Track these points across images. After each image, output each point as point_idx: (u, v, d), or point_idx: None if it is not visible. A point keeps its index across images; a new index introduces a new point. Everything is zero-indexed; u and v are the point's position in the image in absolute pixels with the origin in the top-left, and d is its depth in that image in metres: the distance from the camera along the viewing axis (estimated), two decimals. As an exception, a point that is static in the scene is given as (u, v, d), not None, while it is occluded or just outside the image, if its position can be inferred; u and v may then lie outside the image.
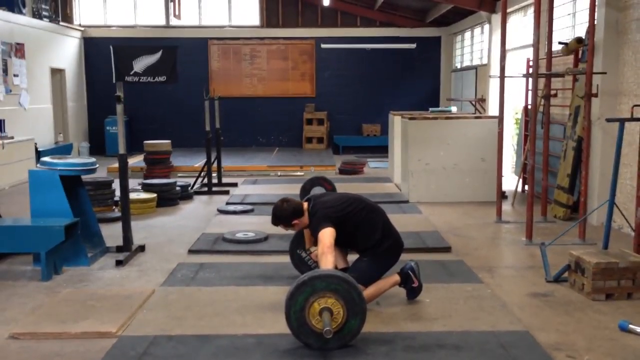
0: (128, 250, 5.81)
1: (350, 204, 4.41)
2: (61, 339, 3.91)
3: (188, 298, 4.65)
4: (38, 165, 5.78)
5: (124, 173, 5.80)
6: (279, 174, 11.75)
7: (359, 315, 3.69)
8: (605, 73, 6.80)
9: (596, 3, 6.52)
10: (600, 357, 3.61)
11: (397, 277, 4.51)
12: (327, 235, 4.11)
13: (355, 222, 4.35)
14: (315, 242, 4.41)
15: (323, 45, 15.62)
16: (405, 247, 5.94)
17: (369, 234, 4.38)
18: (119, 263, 5.53)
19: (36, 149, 11.58)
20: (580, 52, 7.59)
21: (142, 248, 6.08)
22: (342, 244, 4.41)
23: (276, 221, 4.43)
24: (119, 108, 5.72)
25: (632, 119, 5.22)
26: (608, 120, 5.56)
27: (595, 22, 6.66)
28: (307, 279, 3.67)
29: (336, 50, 15.73)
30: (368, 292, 4.28)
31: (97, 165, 5.90)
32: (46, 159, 5.72)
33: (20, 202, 8.22)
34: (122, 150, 5.76)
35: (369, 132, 15.97)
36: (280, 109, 16.16)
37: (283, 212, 4.37)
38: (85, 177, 6.76)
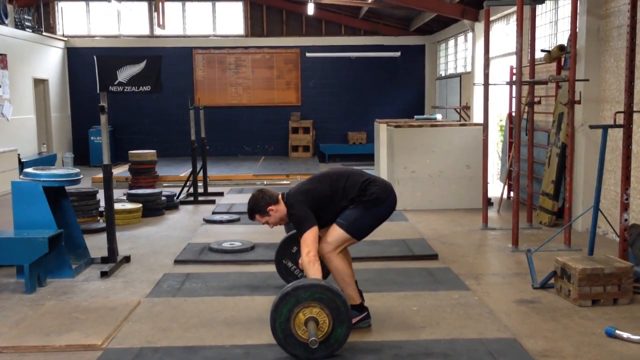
0: (113, 261, 5.76)
1: (319, 180, 4.21)
2: (45, 352, 3.85)
3: (174, 309, 4.61)
4: (21, 176, 5.71)
5: (108, 183, 5.75)
6: (265, 183, 11.73)
7: (345, 323, 3.67)
8: (587, 80, 6.88)
9: (577, 11, 6.60)
10: (587, 363, 3.63)
11: (359, 300, 4.21)
12: (310, 239, 3.94)
13: (328, 192, 4.12)
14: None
15: (308, 54, 15.66)
16: (391, 255, 6.03)
17: (348, 194, 4.11)
18: (103, 274, 5.47)
19: (19, 159, 11.45)
20: (562, 59, 7.66)
21: (127, 259, 6.02)
22: (327, 222, 4.16)
23: (252, 210, 4.18)
24: (103, 118, 5.68)
25: (615, 126, 5.27)
26: (591, 127, 5.61)
27: (577, 30, 6.74)
28: (291, 289, 3.64)
29: (321, 58, 15.77)
30: (337, 264, 4.08)
31: (81, 176, 5.83)
32: (29, 170, 5.65)
33: (3, 214, 8.11)
34: (106, 160, 5.71)
35: (354, 140, 16.00)
36: (266, 117, 16.16)
37: (258, 200, 4.17)
38: (69, 188, 6.71)
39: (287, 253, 4.97)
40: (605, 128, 5.36)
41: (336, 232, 4.10)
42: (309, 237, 3.95)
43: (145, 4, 15.80)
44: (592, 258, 4.94)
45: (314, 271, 3.84)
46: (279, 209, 4.17)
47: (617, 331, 3.95)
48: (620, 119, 5.21)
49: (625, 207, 5.13)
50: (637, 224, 5.77)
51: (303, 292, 3.63)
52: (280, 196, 4.23)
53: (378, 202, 4.13)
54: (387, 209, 4.21)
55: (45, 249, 5.02)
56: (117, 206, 7.74)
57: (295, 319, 3.62)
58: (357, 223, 4.10)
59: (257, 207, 4.18)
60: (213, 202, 9.51)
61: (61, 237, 5.35)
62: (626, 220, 5.15)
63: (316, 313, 3.62)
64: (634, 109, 5.24)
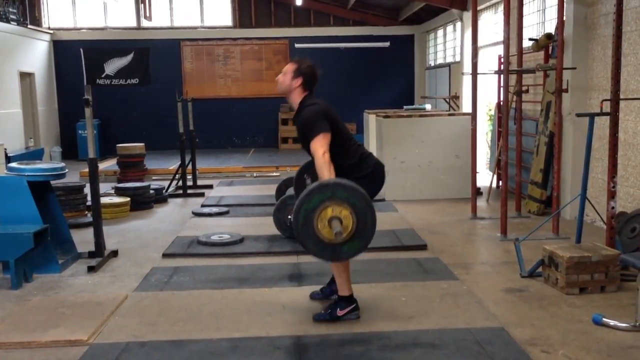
0: (100, 255, 5.71)
1: (343, 126, 4.19)
2: (30, 348, 3.81)
3: (162, 303, 4.58)
4: (5, 171, 5.65)
5: (94, 177, 5.69)
6: (254, 175, 11.69)
7: (365, 239, 3.64)
8: (575, 68, 6.88)
9: (565, -1, 6.58)
10: (574, 350, 3.63)
11: (350, 291, 4.15)
12: (325, 142, 3.87)
13: (341, 133, 4.09)
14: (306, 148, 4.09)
15: (297, 45, 15.57)
16: (380, 246, 6.02)
17: (349, 152, 4.10)
18: (91, 269, 5.43)
19: (6, 154, 11.34)
20: (550, 48, 7.65)
21: (115, 253, 5.98)
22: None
23: (295, 61, 4.22)
24: (88, 111, 5.61)
25: (602, 114, 5.26)
26: (578, 115, 5.61)
27: (565, 18, 6.73)
28: (332, 183, 3.60)
29: (310, 49, 15.65)
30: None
31: (67, 170, 5.78)
32: (14, 164, 5.60)
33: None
34: (91, 154, 5.65)
35: (344, 131, 15.92)
36: (255, 109, 16.08)
37: (304, 64, 4.17)
38: (56, 182, 6.65)
39: (310, 171, 4.77)
40: (592, 116, 5.36)
41: None
42: (325, 140, 3.89)
43: (131, -4, 15.66)
44: (579, 246, 4.95)
45: (329, 172, 3.78)
46: (297, 90, 4.15)
47: (604, 319, 3.96)
48: (607, 107, 5.21)
49: (612, 194, 5.14)
50: (625, 212, 5.79)
51: (341, 191, 3.57)
52: (310, 92, 4.19)
53: (372, 179, 4.14)
54: (379, 186, 4.23)
55: (30, 244, 4.98)
56: (105, 200, 7.69)
57: (323, 211, 3.56)
58: None
59: (298, 64, 4.17)
60: (202, 194, 9.47)
61: (47, 232, 5.30)
62: (613, 208, 5.16)
63: (344, 216, 3.56)
64: (621, 96, 5.23)
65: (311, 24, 15.99)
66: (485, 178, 9.62)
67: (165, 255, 5.94)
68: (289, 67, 4.20)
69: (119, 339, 3.90)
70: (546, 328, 3.98)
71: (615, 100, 5.11)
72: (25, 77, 14.07)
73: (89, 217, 7.38)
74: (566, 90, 6.73)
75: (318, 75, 4.23)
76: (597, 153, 6.67)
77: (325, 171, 3.78)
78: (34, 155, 12.84)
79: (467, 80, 11.07)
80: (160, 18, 15.70)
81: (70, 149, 15.09)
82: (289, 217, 6.22)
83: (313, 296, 4.56)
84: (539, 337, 3.84)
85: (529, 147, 8.06)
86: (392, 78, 16.15)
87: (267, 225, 6.70)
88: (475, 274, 5.21)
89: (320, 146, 3.86)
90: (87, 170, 6.06)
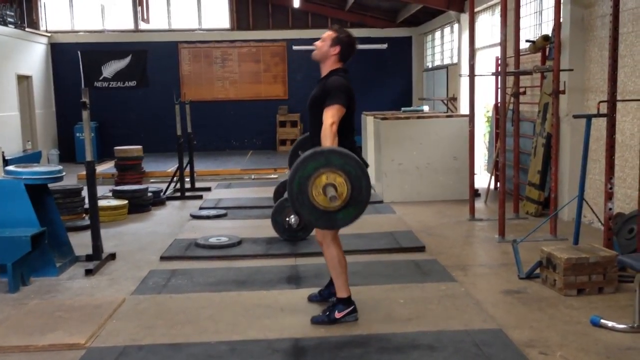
0: (98, 258, 5.70)
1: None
2: (28, 352, 3.81)
3: (159, 306, 4.57)
4: (3, 174, 5.64)
5: (91, 180, 5.69)
6: (252, 177, 11.69)
7: (359, 206, 3.63)
8: (572, 70, 6.88)
9: (561, 1, 6.59)
10: (573, 352, 3.63)
11: (348, 292, 4.15)
12: (337, 114, 3.84)
13: (349, 122, 4.06)
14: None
15: (295, 47, 15.57)
16: (379, 248, 6.03)
17: (346, 141, 4.00)
18: (88, 272, 5.42)
19: (3, 157, 11.33)
20: (547, 49, 7.66)
21: (112, 256, 5.97)
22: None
23: (335, 29, 4.17)
24: (85, 114, 5.61)
25: (599, 115, 5.27)
26: (575, 116, 5.61)
27: (561, 20, 6.74)
28: (326, 150, 3.61)
29: (308, 51, 15.57)
30: (336, 252, 4.02)
31: (64, 173, 5.77)
32: (11, 167, 5.59)
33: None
34: (88, 157, 5.65)
35: (342, 133, 15.92)
36: (253, 111, 16.08)
37: (343, 33, 4.09)
38: (54, 185, 6.64)
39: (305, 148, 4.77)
40: (588, 117, 5.36)
41: None
42: (339, 113, 3.87)
43: (129, -2, 15.67)
44: (577, 247, 4.95)
45: (331, 142, 3.76)
46: (333, 59, 4.09)
47: (602, 320, 3.96)
48: (604, 109, 5.22)
49: (609, 196, 5.15)
50: (622, 213, 5.80)
51: (336, 158, 3.57)
52: (343, 65, 4.13)
53: None
54: None
55: (27, 248, 4.97)
56: (103, 203, 7.68)
57: (317, 178, 3.56)
58: None
59: (338, 32, 4.12)
60: (200, 197, 9.46)
61: (44, 235, 5.29)
62: (610, 209, 5.16)
63: (339, 183, 3.56)
64: (618, 98, 5.25)
65: (309, 26, 15.98)
66: (483, 180, 9.62)
67: (163, 258, 5.94)
68: (328, 35, 4.16)
69: (117, 343, 3.89)
70: (544, 330, 3.98)
71: (612, 101, 5.12)
72: (23, 80, 14.05)
73: (86, 220, 7.37)
74: (563, 92, 6.74)
75: (356, 47, 4.19)
76: (594, 154, 6.68)
77: (329, 141, 3.78)
78: (32, 158, 12.83)
79: (464, 82, 11.11)
80: (158, 21, 15.69)
81: (68, 152, 15.08)
82: (287, 219, 6.22)
83: (311, 298, 4.55)
84: (537, 338, 3.84)
85: (527, 149, 8.06)
86: (390, 80, 16.16)
87: (265, 228, 6.70)
88: (473, 276, 5.21)
89: (331, 116, 3.86)
90: (84, 173, 6.05)
